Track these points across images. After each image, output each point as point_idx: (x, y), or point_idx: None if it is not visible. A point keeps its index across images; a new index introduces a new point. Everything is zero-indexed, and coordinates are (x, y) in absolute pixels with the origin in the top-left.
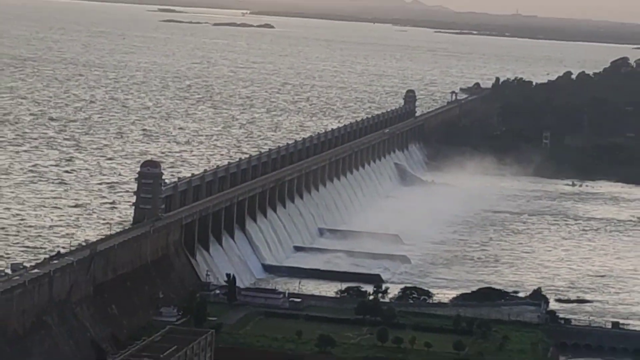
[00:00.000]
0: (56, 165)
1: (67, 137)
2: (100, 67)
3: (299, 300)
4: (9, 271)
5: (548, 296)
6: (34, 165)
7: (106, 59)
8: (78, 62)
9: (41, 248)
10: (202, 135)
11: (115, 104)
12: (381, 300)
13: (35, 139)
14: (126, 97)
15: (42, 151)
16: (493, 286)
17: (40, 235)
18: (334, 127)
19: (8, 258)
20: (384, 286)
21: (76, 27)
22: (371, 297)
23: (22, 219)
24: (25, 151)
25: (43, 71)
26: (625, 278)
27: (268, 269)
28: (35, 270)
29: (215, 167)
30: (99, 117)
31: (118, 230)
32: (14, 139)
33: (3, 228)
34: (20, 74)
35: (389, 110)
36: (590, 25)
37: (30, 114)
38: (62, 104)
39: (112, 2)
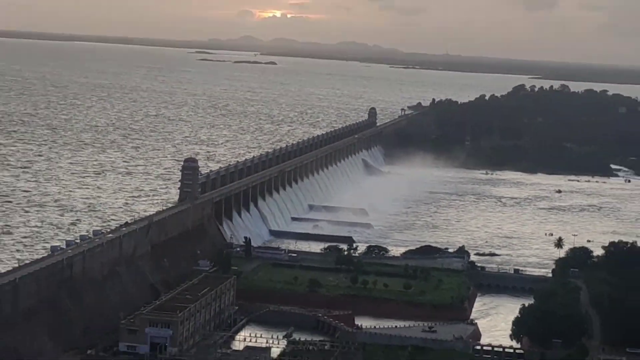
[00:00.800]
0: (123, 161)
1: (130, 141)
2: (156, 92)
3: (295, 255)
4: (91, 236)
5: (470, 251)
6: (108, 161)
7: (159, 86)
8: (140, 88)
9: (113, 220)
10: (225, 140)
11: (164, 118)
12: (353, 254)
13: (109, 142)
14: (173, 113)
15: (112, 150)
16: (431, 244)
17: (112, 211)
18: (319, 133)
19: (91, 227)
20: (354, 245)
21: (138, 64)
22: (346, 253)
23: (100, 199)
24: (101, 151)
25: (114, 94)
26: (524, 239)
27: (273, 233)
28: (110, 235)
29: (235, 162)
30: (153, 127)
31: (168, 206)
32: (91, 142)
33: (88, 206)
34: (100, 96)
35: (357, 122)
36: (498, 61)
37: (106, 124)
38: (128, 117)
39: (162, 46)
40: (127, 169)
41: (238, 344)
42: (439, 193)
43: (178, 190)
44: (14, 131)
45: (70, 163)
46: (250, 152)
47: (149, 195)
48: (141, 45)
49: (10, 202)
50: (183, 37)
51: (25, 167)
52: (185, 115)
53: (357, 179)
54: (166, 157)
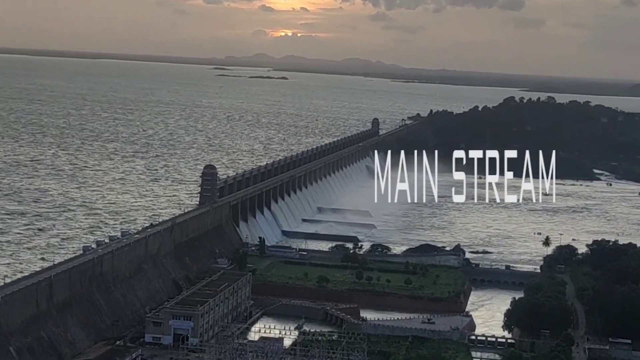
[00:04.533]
0: (147, 168)
1: (154, 148)
2: (178, 105)
3: (305, 253)
4: (119, 236)
5: (465, 249)
6: (135, 167)
7: (183, 100)
8: (164, 102)
9: (140, 221)
10: (241, 148)
11: (186, 128)
12: (358, 253)
13: (135, 150)
14: (194, 124)
15: (139, 158)
16: (430, 243)
17: (139, 213)
18: (327, 142)
19: (119, 227)
20: (359, 244)
21: (162, 79)
22: (351, 251)
23: (128, 203)
24: (128, 158)
25: (142, 107)
26: (514, 238)
27: (285, 233)
28: (137, 235)
29: (250, 169)
30: (176, 137)
31: (189, 209)
32: (119, 150)
33: (117, 210)
34: (127, 110)
35: (362, 131)
36: (490, 75)
37: (132, 134)
38: (151, 128)
39: (183, 64)
40: (152, 175)
41: (253, 335)
42: (441, 197)
43: (199, 194)
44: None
45: (104, 170)
46: (263, 159)
47: (172, 199)
48: (164, 62)
49: (44, 205)
50: (202, 54)
51: (73, 174)
52: (205, 126)
53: (361, 184)
54: (188, 163)
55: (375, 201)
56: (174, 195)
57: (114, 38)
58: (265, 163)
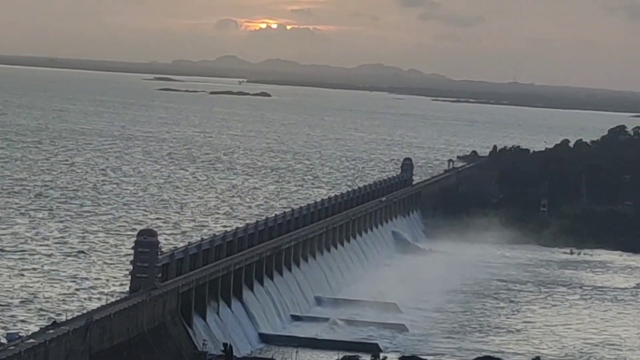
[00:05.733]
0: (44, 236)
1: (54, 201)
2: (99, 134)
3: None
4: (4, 341)
5: None
6: (23, 233)
7: (107, 126)
8: (77, 129)
9: (37, 318)
10: (199, 203)
11: (110, 172)
12: None
13: (24, 205)
14: (123, 165)
15: (29, 218)
16: (493, 356)
17: (36, 306)
18: (331, 195)
19: (4, 328)
20: (382, 355)
21: (77, 95)
22: None
23: (17, 289)
24: (12, 217)
25: (44, 138)
26: (627, 348)
27: (265, 338)
28: (31, 340)
29: (212, 235)
30: (92, 184)
31: (115, 299)
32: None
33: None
34: (20, 143)
35: (385, 177)
36: (587, 93)
37: (19, 180)
38: (52, 170)
39: (108, 71)
40: (56, 246)
41: None
42: (501, 281)
43: (129, 276)
44: None
45: None
46: (232, 222)
47: (87, 283)
48: (79, 69)
49: None
50: (136, 57)
51: None
52: (144, 168)
53: (385, 260)
54: (114, 228)
55: (407, 288)
56: (91, 277)
57: (6, 34)
58: (235, 227)
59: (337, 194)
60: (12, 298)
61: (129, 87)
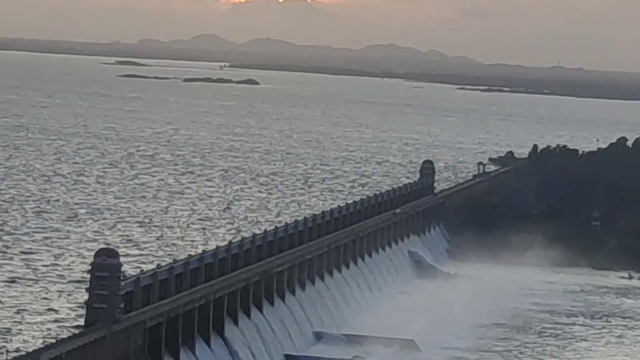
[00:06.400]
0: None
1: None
2: (49, 132)
3: None
4: None
5: None
6: None
7: (59, 122)
8: (22, 124)
9: None
10: (171, 216)
11: (66, 177)
12: None
13: None
14: (78, 171)
15: None
16: None
17: None
18: (334, 206)
19: None
20: None
21: (22, 82)
22: None
23: None
24: None
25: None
26: None
27: None
28: None
29: (187, 256)
30: (45, 195)
31: (67, 334)
32: None
33: None
34: None
35: (401, 185)
36: None
37: None
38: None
39: (61, 54)
40: (8, 272)
41: None
42: (543, 312)
43: (84, 306)
44: None
45: None
46: (212, 240)
47: (34, 317)
48: (23, 50)
49: None
50: (95, 36)
51: None
52: (104, 174)
53: (400, 287)
54: (66, 247)
55: (427, 321)
56: (35, 309)
57: None
58: (215, 246)
59: (342, 205)
60: None
61: (86, 73)
